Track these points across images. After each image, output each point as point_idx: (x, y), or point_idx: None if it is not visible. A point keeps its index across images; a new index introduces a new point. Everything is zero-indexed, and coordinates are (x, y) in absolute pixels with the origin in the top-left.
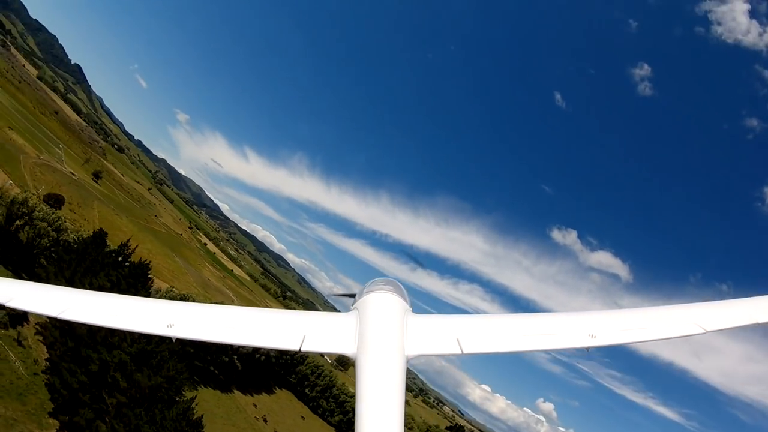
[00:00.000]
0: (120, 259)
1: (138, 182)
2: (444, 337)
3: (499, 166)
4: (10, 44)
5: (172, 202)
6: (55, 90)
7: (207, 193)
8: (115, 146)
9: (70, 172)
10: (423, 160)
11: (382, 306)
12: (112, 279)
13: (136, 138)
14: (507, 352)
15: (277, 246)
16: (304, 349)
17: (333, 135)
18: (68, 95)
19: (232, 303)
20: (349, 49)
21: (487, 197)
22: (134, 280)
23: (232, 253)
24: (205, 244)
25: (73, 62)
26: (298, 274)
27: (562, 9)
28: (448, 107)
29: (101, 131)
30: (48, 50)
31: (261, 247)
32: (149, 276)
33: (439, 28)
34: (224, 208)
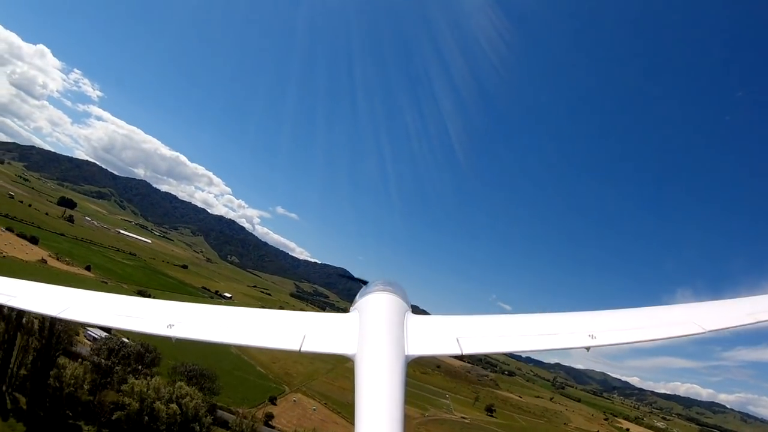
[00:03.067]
0: None
1: (538, 396)
2: (444, 337)
3: None
4: None
5: (579, 401)
6: None
7: (611, 375)
8: (506, 372)
9: (461, 417)
10: None
11: (382, 306)
12: None
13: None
14: (507, 352)
15: (704, 393)
16: (304, 349)
17: None
18: None
19: None
20: None
21: None
22: None
23: (660, 425)
24: (627, 430)
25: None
26: (738, 412)
27: None
28: None
29: (488, 364)
30: None
31: (687, 402)
32: None
33: None
34: (634, 381)
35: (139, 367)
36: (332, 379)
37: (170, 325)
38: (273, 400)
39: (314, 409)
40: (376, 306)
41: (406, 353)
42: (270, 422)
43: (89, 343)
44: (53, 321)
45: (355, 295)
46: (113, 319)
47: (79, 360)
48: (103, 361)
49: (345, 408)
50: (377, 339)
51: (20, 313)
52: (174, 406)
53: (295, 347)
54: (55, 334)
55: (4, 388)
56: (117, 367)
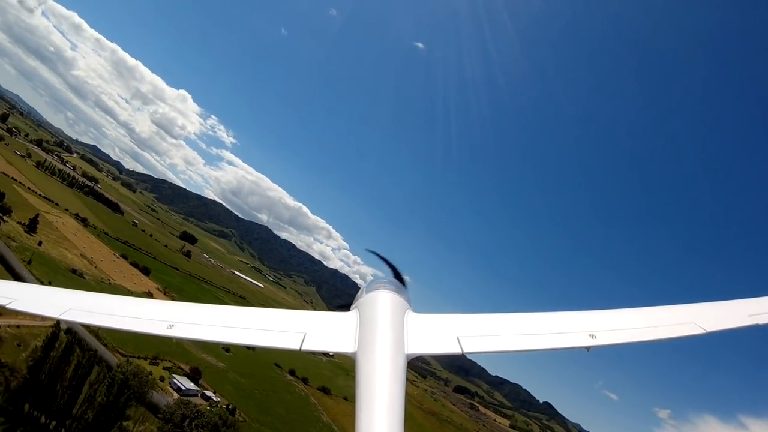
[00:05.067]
0: None
1: None
2: (444, 336)
3: None
4: (478, 405)
5: None
6: None
7: None
8: None
9: None
10: None
11: (382, 305)
12: None
13: None
14: (507, 351)
15: None
16: (304, 348)
17: None
18: None
19: None
20: None
21: None
22: None
23: None
24: None
25: (541, 401)
26: None
27: None
28: None
29: None
30: (515, 397)
31: None
32: None
33: None
34: None
35: None
36: None
37: (171, 326)
38: None
39: None
40: (376, 304)
41: (406, 352)
42: None
43: (173, 392)
44: (127, 373)
45: None
46: (114, 320)
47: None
48: (174, 429)
49: None
50: (377, 337)
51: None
52: None
53: (295, 346)
54: (128, 380)
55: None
56: None
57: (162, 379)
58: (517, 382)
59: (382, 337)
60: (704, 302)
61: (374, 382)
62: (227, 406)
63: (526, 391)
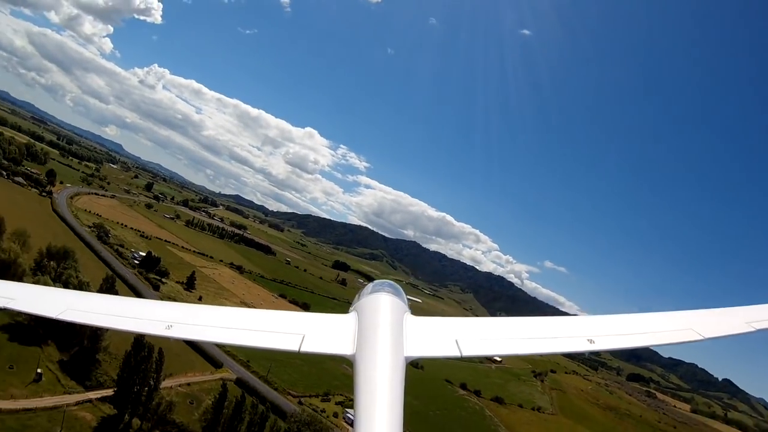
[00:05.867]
0: None
1: None
2: (443, 338)
3: None
4: (654, 391)
5: None
6: None
7: None
8: None
9: None
10: None
11: (381, 307)
12: None
13: None
14: (506, 354)
15: None
16: (303, 349)
17: None
18: None
19: None
20: None
21: None
22: None
23: None
24: None
25: (720, 379)
26: None
27: None
28: None
29: None
30: (692, 378)
31: None
32: None
33: None
34: None
35: None
36: None
37: (169, 326)
38: None
39: None
40: (375, 307)
41: (405, 354)
42: None
43: (348, 427)
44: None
45: None
46: (112, 320)
47: None
48: None
49: None
50: (376, 340)
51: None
52: None
53: (294, 348)
54: None
55: None
56: None
57: (336, 414)
58: (692, 362)
59: (382, 340)
60: (702, 309)
61: (373, 384)
62: None
63: (703, 369)
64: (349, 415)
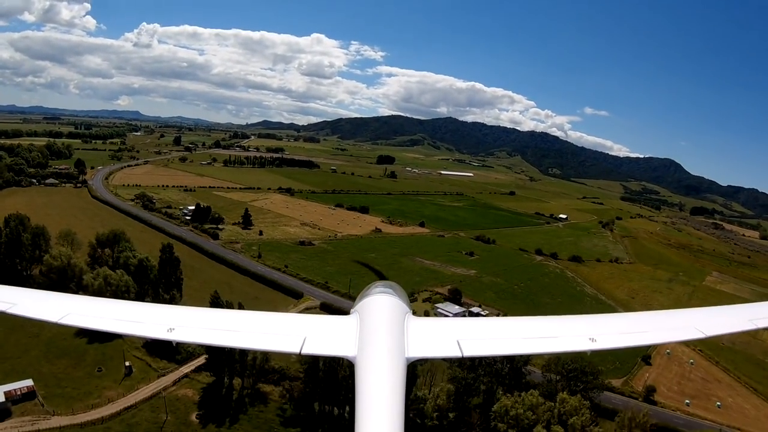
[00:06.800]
0: None
1: None
2: (444, 339)
3: None
4: (720, 222)
5: None
6: None
7: None
8: None
9: None
10: None
11: (382, 309)
12: None
13: None
14: (507, 354)
15: None
16: (304, 351)
17: None
18: None
19: None
20: None
21: None
22: None
23: None
24: None
25: None
26: None
27: None
28: None
29: None
30: (754, 203)
31: None
32: None
33: None
34: None
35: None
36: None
37: (171, 329)
38: (647, 359)
39: (692, 363)
40: (376, 308)
41: (406, 356)
42: (652, 397)
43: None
44: None
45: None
46: (114, 324)
47: None
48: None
49: (726, 355)
50: (377, 341)
51: None
52: (558, 429)
53: (295, 350)
54: None
55: None
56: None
57: (426, 313)
58: (752, 187)
59: (383, 341)
60: (705, 307)
61: (375, 385)
62: (498, 314)
63: (764, 193)
64: (439, 309)
